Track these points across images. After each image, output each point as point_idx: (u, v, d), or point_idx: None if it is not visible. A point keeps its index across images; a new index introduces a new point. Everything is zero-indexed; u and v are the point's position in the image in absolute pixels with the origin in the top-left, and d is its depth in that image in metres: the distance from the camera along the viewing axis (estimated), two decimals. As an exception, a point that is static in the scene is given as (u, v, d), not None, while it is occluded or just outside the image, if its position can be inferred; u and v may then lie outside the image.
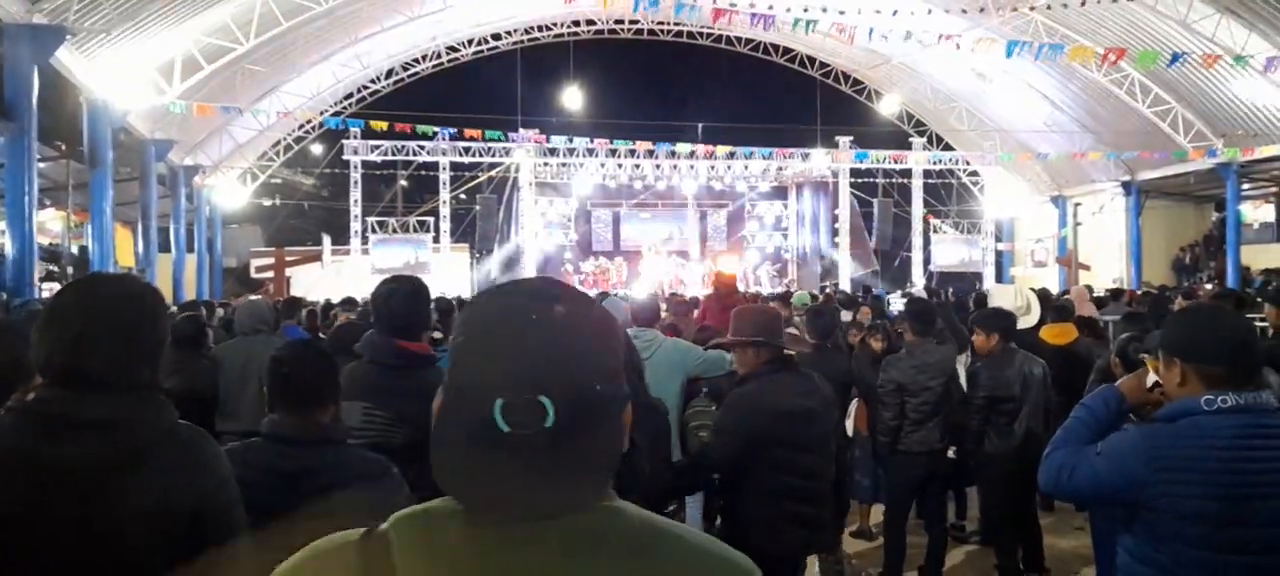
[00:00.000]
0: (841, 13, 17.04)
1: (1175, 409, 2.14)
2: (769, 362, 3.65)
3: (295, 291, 20.41)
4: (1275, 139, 18.97)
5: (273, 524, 1.67)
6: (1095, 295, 13.20)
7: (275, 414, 2.49)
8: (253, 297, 9.00)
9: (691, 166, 27.21)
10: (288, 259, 26.05)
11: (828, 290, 20.40)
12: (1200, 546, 2.01)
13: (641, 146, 24.62)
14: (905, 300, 13.44)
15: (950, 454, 5.47)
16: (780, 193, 30.72)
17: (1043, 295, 10.00)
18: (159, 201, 19.60)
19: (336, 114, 23.75)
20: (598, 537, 1.00)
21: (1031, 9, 17.83)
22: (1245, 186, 23.04)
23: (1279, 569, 2.00)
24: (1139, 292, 15.60)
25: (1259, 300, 7.84)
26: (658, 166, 27.13)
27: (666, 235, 29.97)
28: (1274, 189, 25.91)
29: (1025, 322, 6.54)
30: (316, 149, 27.82)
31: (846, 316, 8.62)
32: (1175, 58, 16.08)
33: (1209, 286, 18.81)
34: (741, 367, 3.74)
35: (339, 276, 22.31)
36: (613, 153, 25.58)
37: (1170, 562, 2.06)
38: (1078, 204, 25.22)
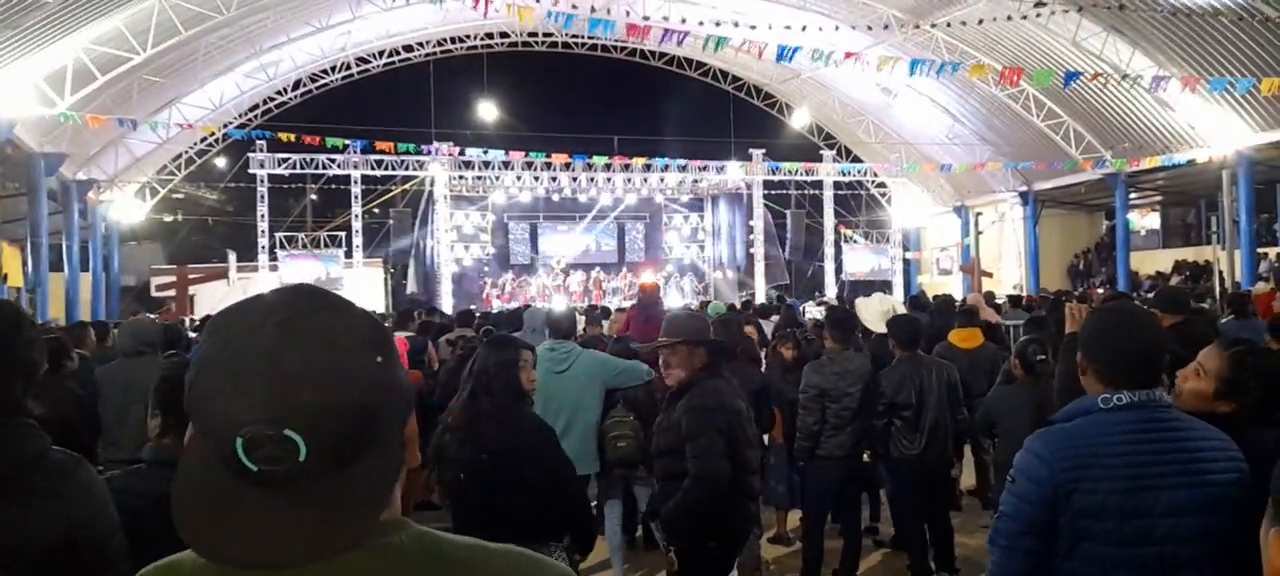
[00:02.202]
0: (753, 28, 17.36)
1: (1072, 409, 2.20)
2: (705, 367, 3.68)
3: (200, 311, 19.70)
4: (1159, 151, 20.10)
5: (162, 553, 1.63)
6: (996, 301, 13.75)
7: (165, 438, 2.39)
8: (139, 316, 8.57)
9: (608, 179, 27.31)
10: (191, 276, 25.13)
11: (745, 300, 20.69)
12: (1107, 541, 2.06)
13: (558, 159, 24.57)
14: (822, 309, 13.72)
15: (865, 458, 5.59)
16: (696, 204, 31.08)
17: (945, 302, 10.41)
18: (50, 218, 18.65)
19: (242, 126, 23.03)
20: None
21: (933, 26, 18.48)
22: (1133, 196, 24.35)
23: (1180, 557, 2.05)
24: (1037, 297, 16.30)
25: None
26: (575, 179, 27.13)
27: (584, 247, 29.98)
28: (1159, 198, 27.45)
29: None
30: (220, 162, 26.92)
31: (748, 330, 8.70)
32: (1069, 77, 16.87)
33: (1101, 290, 19.80)
34: (680, 370, 3.68)
35: (246, 294, 21.45)
36: (529, 165, 25.47)
37: (1082, 565, 2.09)
38: (979, 213, 26.22)
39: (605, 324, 9.34)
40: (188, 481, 0.89)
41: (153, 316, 16.28)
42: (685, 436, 3.51)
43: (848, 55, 17.21)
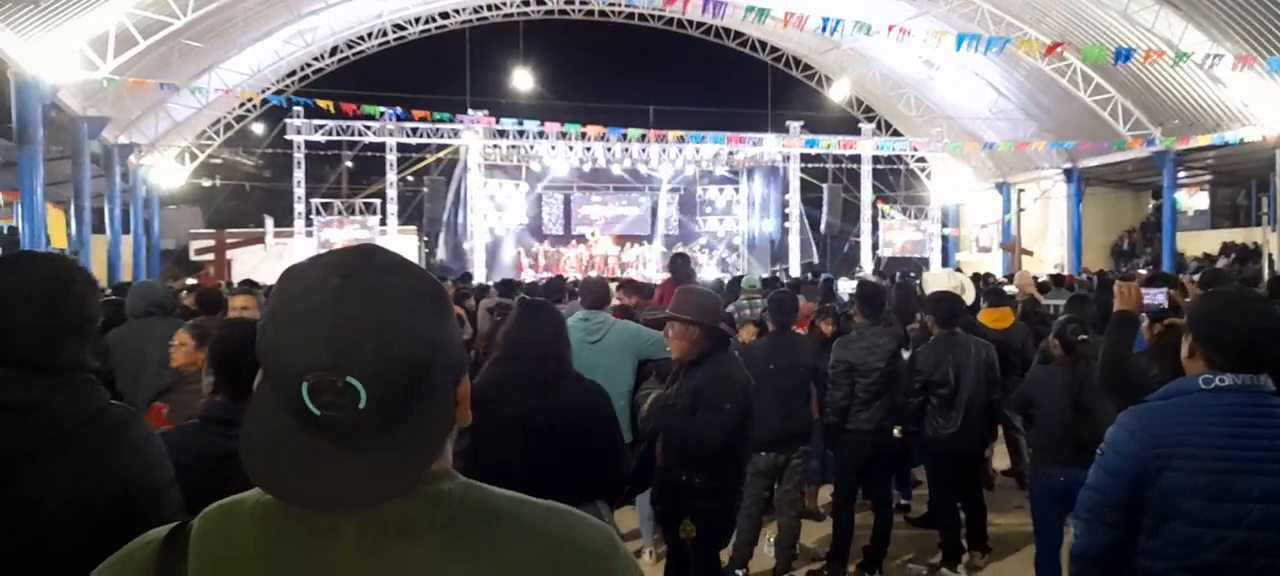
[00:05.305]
0: (793, -4, 17.10)
1: (1172, 388, 2.21)
2: (710, 342, 3.77)
3: (237, 274, 19.98)
4: (1210, 128, 19.54)
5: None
6: (1039, 281, 13.48)
7: (217, 395, 2.45)
8: (150, 279, 8.65)
9: (643, 149, 27.17)
10: (228, 241, 25.52)
11: (778, 274, 20.54)
12: (1194, 521, 2.05)
13: (593, 130, 24.48)
14: (857, 284, 13.57)
15: (896, 433, 5.55)
16: (732, 177, 30.86)
17: (975, 281, 10.25)
18: (93, 181, 18.96)
19: (279, 92, 23.21)
20: (412, 524, 0.93)
21: (979, -4, 18.08)
22: (1181, 175, 23.73)
23: (1270, 544, 2.04)
24: (1079, 278, 15.98)
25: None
26: (609, 149, 27.03)
27: (618, 218, 29.94)
28: (1208, 177, 26.75)
29: None
30: (258, 128, 27.21)
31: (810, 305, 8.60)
32: (1123, 54, 16.40)
33: (1144, 272, 19.38)
34: (680, 343, 3.78)
35: (282, 259, 21.86)
36: (563, 135, 25.42)
37: (1166, 544, 2.10)
38: (1021, 190, 25.74)
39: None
40: (255, 424, 0.95)
41: (192, 280, 16.55)
42: (706, 404, 3.63)
43: (891, 28, 16.88)
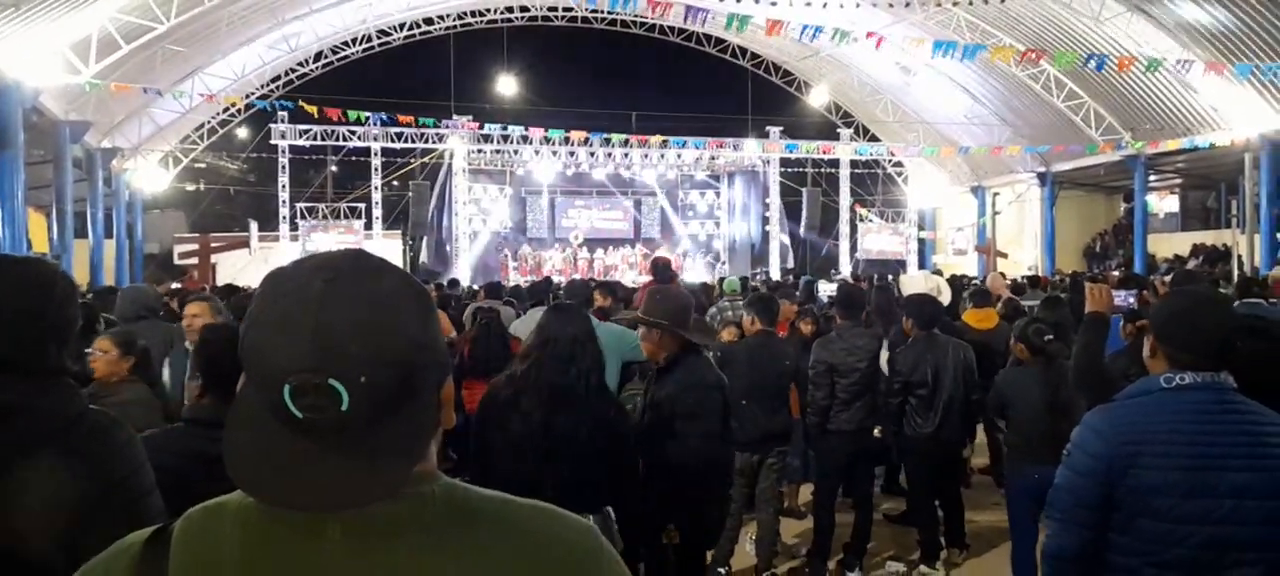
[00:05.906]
0: (773, 4, 17.30)
1: (1136, 388, 2.23)
2: (682, 344, 3.71)
3: (221, 278, 19.93)
4: (1180, 133, 19.92)
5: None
6: (1015, 282, 13.74)
7: (204, 398, 2.47)
8: (141, 283, 8.64)
9: (626, 154, 27.33)
10: (213, 245, 25.38)
11: (759, 277, 20.73)
12: (1164, 518, 2.08)
13: (576, 135, 24.61)
14: (837, 286, 13.77)
15: (876, 433, 5.66)
16: (713, 181, 31.08)
17: (954, 283, 10.44)
18: (75, 185, 18.88)
19: (264, 97, 23.15)
20: (396, 525, 0.93)
21: (954, 4, 18.35)
22: (1152, 178, 24.14)
23: (1239, 538, 2.06)
24: (1053, 279, 16.28)
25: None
26: (592, 154, 27.16)
27: (601, 222, 30.06)
28: (1179, 181, 27.22)
29: None
30: (242, 133, 27.10)
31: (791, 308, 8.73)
32: (1097, 62, 16.70)
33: (1117, 273, 19.72)
34: (647, 343, 3.75)
35: (267, 264, 21.74)
36: (547, 140, 25.54)
37: (1136, 540, 2.13)
38: (996, 194, 26.07)
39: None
40: (238, 426, 0.94)
41: (177, 284, 16.53)
42: (682, 414, 3.52)
43: (869, 35, 17.14)
